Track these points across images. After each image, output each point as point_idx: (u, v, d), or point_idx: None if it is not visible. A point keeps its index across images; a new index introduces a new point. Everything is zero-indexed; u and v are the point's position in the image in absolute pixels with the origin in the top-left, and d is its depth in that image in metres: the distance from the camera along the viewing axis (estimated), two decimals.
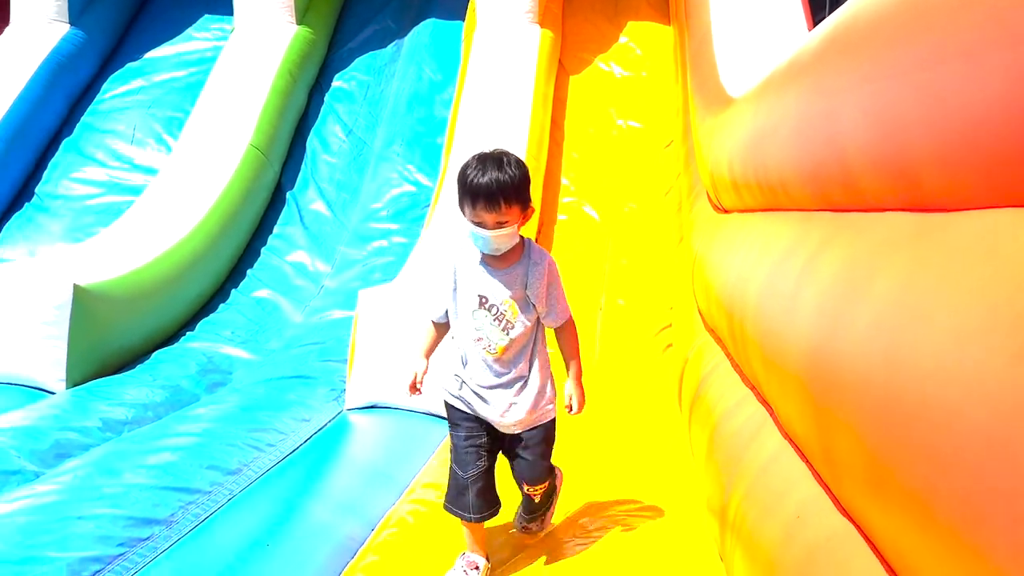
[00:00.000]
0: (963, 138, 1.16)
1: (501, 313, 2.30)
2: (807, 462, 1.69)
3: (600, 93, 6.39)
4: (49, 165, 6.44)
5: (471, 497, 2.37)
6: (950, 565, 0.99)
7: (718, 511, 2.26)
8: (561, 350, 2.43)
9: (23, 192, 6.30)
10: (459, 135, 5.60)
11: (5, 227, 6.05)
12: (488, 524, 2.45)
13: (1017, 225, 1.02)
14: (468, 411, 2.37)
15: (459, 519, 2.39)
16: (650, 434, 3.68)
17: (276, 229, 5.94)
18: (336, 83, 6.93)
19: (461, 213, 2.29)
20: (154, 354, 4.59)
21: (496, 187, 2.19)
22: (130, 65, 7.05)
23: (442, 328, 2.45)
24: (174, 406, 3.86)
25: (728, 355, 2.93)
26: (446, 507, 2.41)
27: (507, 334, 2.30)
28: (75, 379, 4.06)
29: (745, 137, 2.83)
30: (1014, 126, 1.01)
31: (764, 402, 2.22)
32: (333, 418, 3.74)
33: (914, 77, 1.29)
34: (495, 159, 2.26)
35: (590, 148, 6.12)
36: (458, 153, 5.49)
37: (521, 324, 2.31)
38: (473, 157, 2.29)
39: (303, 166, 6.40)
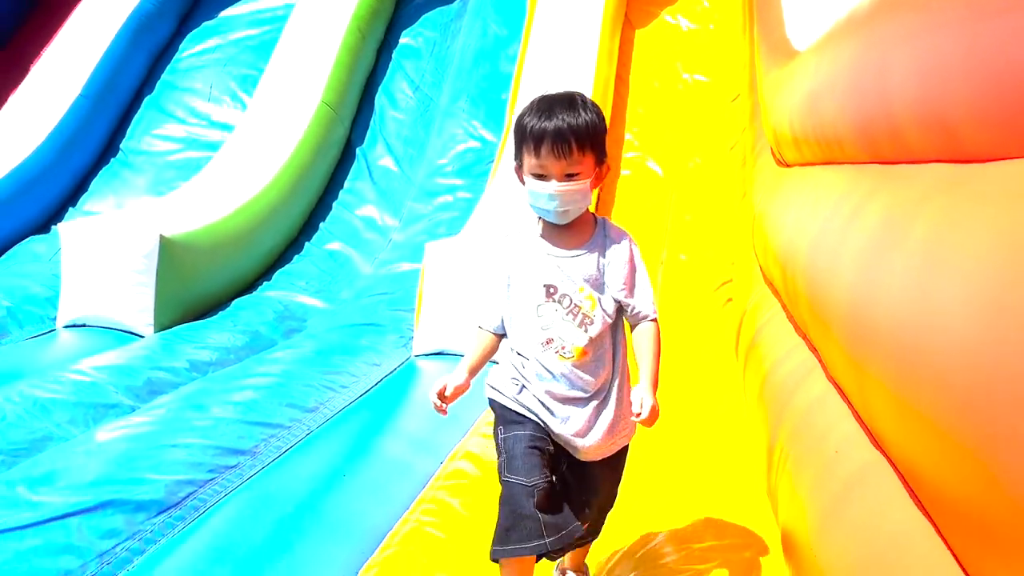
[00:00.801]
0: (1000, 90, 1.21)
1: (576, 305, 1.83)
2: (848, 403, 1.78)
3: (666, 47, 6.36)
4: (132, 122, 6.75)
5: (539, 517, 1.75)
6: (962, 478, 1.09)
7: (766, 451, 2.36)
8: (637, 351, 1.91)
9: (109, 148, 6.63)
10: (523, 90, 5.67)
11: (93, 182, 6.39)
12: None
13: None
14: (530, 416, 1.85)
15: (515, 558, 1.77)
16: (706, 383, 3.77)
17: (346, 184, 6.13)
18: (403, 40, 7.04)
19: (518, 175, 1.88)
20: (234, 302, 4.85)
21: (567, 128, 1.77)
22: (206, 24, 7.28)
23: (497, 340, 1.95)
24: (253, 350, 4.10)
25: (783, 305, 2.99)
26: (495, 553, 1.78)
27: (585, 331, 1.82)
28: (162, 324, 4.34)
29: (806, 90, 2.85)
30: None
31: (813, 349, 2.29)
32: (402, 363, 3.93)
33: (956, 31, 1.34)
34: (566, 99, 1.83)
35: (655, 103, 6.12)
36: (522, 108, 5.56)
37: (601, 318, 1.84)
38: (536, 98, 1.88)
39: (371, 123, 6.56)
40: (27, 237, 5.65)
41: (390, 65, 6.95)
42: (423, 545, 2.29)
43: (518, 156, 1.86)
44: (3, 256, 5.39)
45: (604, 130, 1.85)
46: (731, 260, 5.01)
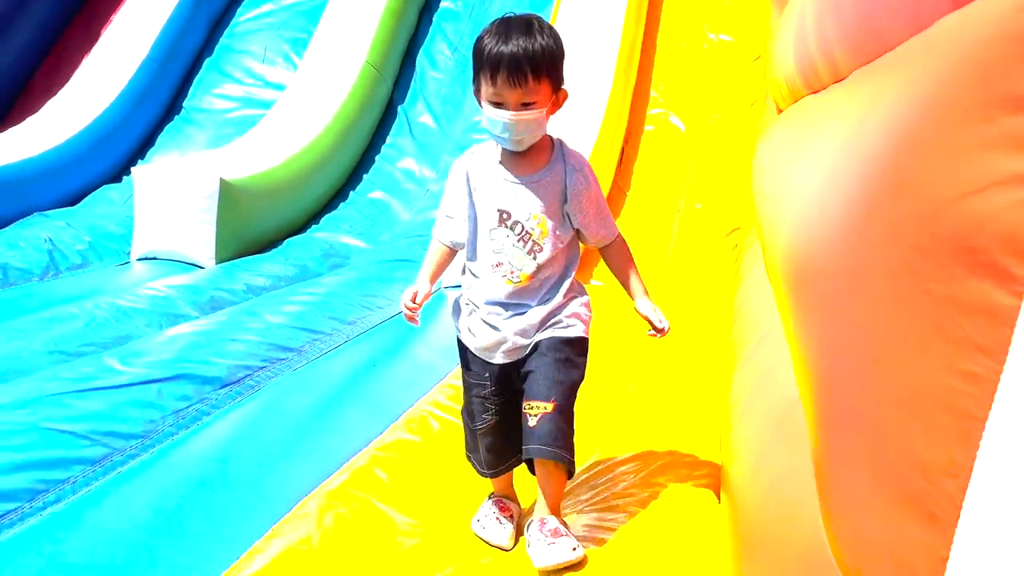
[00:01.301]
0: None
1: (527, 232, 1.87)
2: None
3: (694, 8, 6.65)
4: (194, 82, 7.29)
5: (481, 452, 2.05)
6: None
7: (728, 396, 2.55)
8: (616, 270, 2.02)
9: (173, 107, 7.19)
10: None
11: (159, 137, 6.96)
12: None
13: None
14: (477, 343, 1.96)
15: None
16: (711, 328, 4.11)
17: (388, 139, 6.60)
18: (444, 3, 7.44)
19: (476, 96, 1.88)
20: (286, 241, 5.38)
21: (523, 55, 1.76)
22: None
23: (450, 251, 2.03)
24: (302, 281, 4.61)
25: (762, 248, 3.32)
26: (467, 455, 2.12)
27: (534, 258, 1.88)
28: (222, 257, 4.87)
29: (792, 29, 3.15)
30: None
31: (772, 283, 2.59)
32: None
33: None
34: (522, 22, 1.81)
35: (681, 62, 6.43)
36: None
37: (551, 246, 1.88)
38: (494, 21, 1.86)
39: (412, 82, 7.00)
40: (102, 185, 6.25)
41: (430, 28, 7.36)
42: (427, 430, 2.70)
43: (476, 80, 1.85)
44: (83, 201, 6.00)
45: (561, 55, 1.85)
46: (740, 208, 5.35)
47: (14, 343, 3.13)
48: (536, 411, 1.88)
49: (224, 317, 3.43)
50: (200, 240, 4.85)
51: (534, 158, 1.89)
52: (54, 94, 7.11)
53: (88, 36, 7.76)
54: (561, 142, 1.95)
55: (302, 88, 6.46)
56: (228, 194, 4.92)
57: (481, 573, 1.91)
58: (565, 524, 1.91)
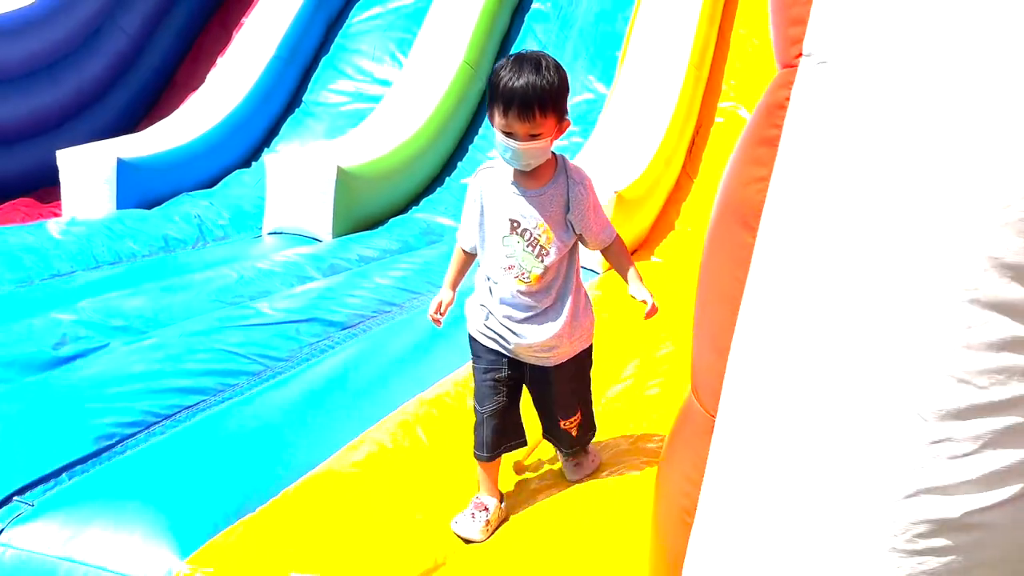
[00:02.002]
0: None
1: (535, 238, 2.11)
2: None
3: (765, 5, 7.12)
4: (312, 78, 8.22)
5: (486, 433, 2.26)
6: None
7: None
8: (615, 266, 2.30)
9: (294, 101, 8.14)
10: (632, 48, 6.66)
11: (283, 128, 7.92)
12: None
13: None
14: (493, 344, 2.23)
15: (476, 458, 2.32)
16: None
17: (480, 131, 7.36)
18: (535, 5, 8.14)
19: (490, 121, 2.12)
20: (390, 220, 6.23)
21: (532, 93, 2.01)
22: None
23: (472, 257, 2.30)
24: (404, 253, 5.42)
25: None
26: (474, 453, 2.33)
27: (542, 261, 2.12)
28: (338, 232, 5.74)
29: None
30: None
31: None
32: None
33: None
34: (532, 61, 2.06)
35: (752, 58, 6.94)
36: (630, 65, 6.58)
37: (556, 250, 2.14)
38: (508, 58, 2.10)
39: None
40: (235, 170, 7.25)
41: (522, 28, 8.07)
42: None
43: (489, 108, 2.11)
44: (220, 183, 7.01)
45: (565, 92, 2.11)
46: None
47: (183, 294, 4.03)
48: (571, 424, 2.33)
49: (342, 279, 4.26)
50: (320, 218, 5.73)
51: (540, 174, 2.15)
52: (194, 89, 8.20)
53: (222, 38, 8.82)
54: (564, 159, 2.22)
55: (406, 85, 7.28)
56: (343, 180, 5.78)
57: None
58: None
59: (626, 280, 2.27)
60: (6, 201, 6.59)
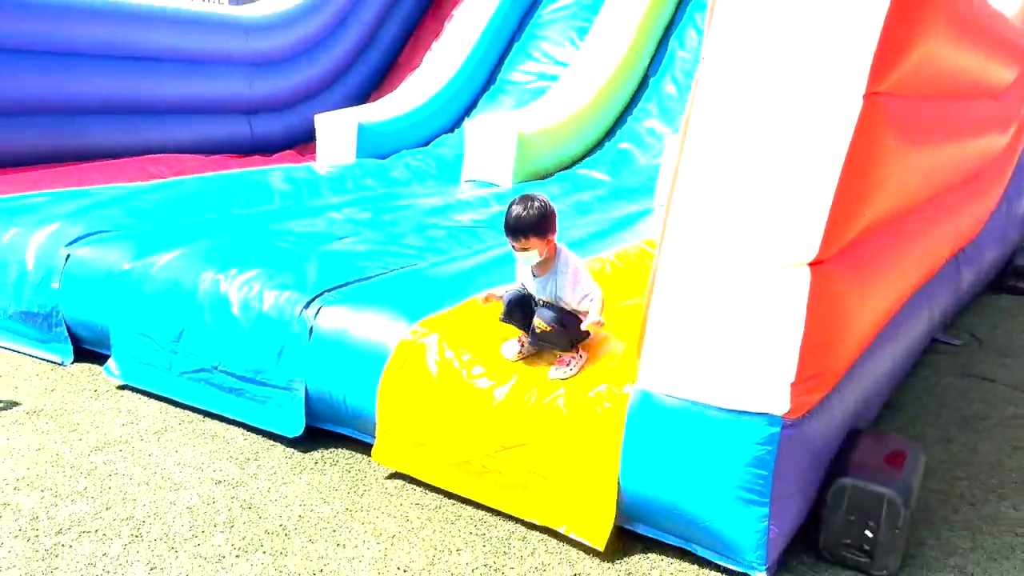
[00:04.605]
0: None
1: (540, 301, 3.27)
2: None
3: None
4: (506, 61, 9.96)
5: (504, 309, 3.33)
6: None
7: None
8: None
9: (490, 79, 9.93)
10: None
11: (480, 101, 9.73)
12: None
13: None
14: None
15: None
16: None
17: (639, 104, 8.80)
18: None
19: None
20: (556, 174, 7.86)
21: (516, 223, 3.05)
22: None
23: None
24: (565, 196, 7.03)
25: None
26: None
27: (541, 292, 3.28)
28: (516, 182, 7.44)
29: None
30: None
31: None
32: (647, 208, 6.62)
33: None
34: (525, 200, 3.09)
35: None
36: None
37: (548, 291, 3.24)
38: (516, 197, 3.15)
39: (664, 59, 9.10)
40: (442, 135, 9.15)
41: (684, 16, 9.37)
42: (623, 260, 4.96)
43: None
44: (431, 143, 8.93)
45: (545, 219, 3.09)
46: None
47: (404, 212, 5.84)
48: (540, 325, 3.17)
49: None
50: (503, 170, 7.46)
51: (544, 265, 3.23)
52: (412, 69, 10.21)
53: (436, 27, 10.79)
54: (559, 253, 3.22)
55: (580, 66, 8.85)
56: (522, 142, 7.47)
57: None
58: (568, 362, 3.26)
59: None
60: (276, 152, 8.88)
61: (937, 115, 3.56)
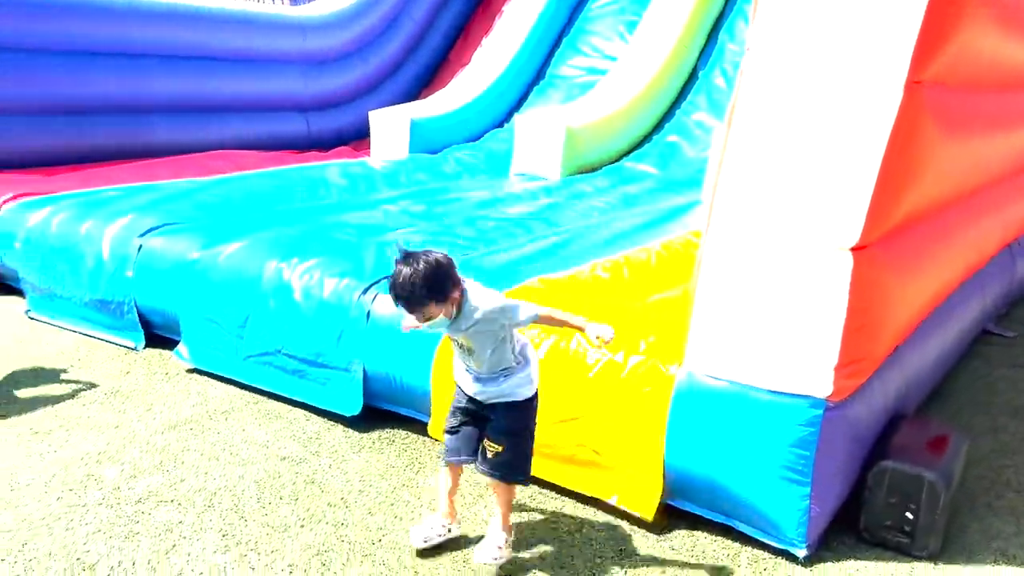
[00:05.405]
0: None
1: (467, 349, 2.73)
2: None
3: None
4: (555, 56, 10.06)
5: (447, 441, 2.92)
6: None
7: None
8: (555, 324, 2.82)
9: (539, 74, 10.03)
10: None
11: (529, 96, 9.84)
12: None
13: None
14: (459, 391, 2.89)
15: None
16: None
17: (688, 97, 8.84)
18: None
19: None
20: (603, 168, 7.96)
21: (406, 293, 2.55)
22: None
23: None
24: (612, 189, 7.13)
25: None
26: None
27: (475, 359, 2.74)
28: (563, 175, 7.56)
29: None
30: None
31: None
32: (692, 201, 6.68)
33: None
34: (406, 259, 2.57)
35: None
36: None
37: (480, 350, 2.70)
38: (400, 259, 2.59)
39: (713, 52, 9.12)
40: (492, 129, 9.30)
41: (733, 8, 9.36)
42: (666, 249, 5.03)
43: None
44: (481, 138, 9.09)
45: (436, 280, 2.54)
46: None
47: (454, 205, 6.00)
48: (491, 450, 2.80)
49: (563, 200, 6.09)
50: (551, 163, 7.59)
51: (458, 320, 2.65)
52: (463, 65, 10.37)
53: (486, 24, 10.93)
54: (466, 293, 2.64)
55: (629, 60, 8.91)
56: (571, 136, 7.58)
57: None
58: (507, 532, 2.92)
59: (577, 328, 2.78)
60: (331, 148, 9.13)
61: (981, 106, 3.59)
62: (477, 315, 2.63)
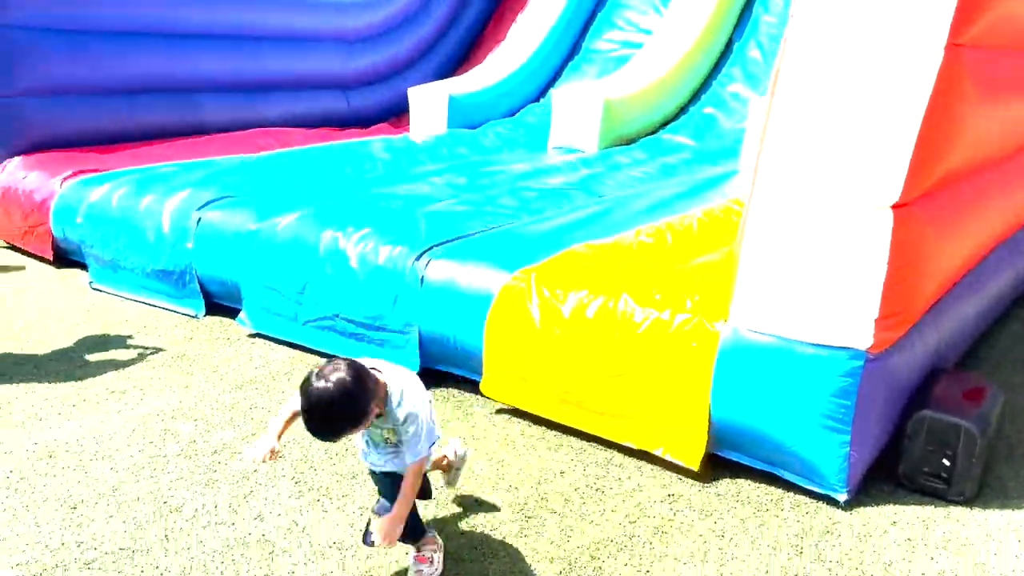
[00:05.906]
0: None
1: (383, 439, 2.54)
2: None
3: None
4: (590, 30, 10.12)
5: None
6: None
7: None
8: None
9: (575, 49, 10.10)
10: None
11: (564, 71, 9.93)
12: None
13: None
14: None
15: None
16: None
17: (723, 69, 8.88)
18: None
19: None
20: (640, 140, 8.06)
21: (323, 428, 2.32)
22: None
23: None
24: (650, 161, 7.24)
25: None
26: None
27: (387, 451, 2.56)
28: (601, 147, 7.67)
29: None
30: None
31: None
32: (731, 169, 6.77)
33: None
34: (319, 377, 2.29)
35: None
36: None
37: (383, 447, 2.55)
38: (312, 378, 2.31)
39: (748, 24, 9.13)
40: (528, 104, 9.42)
41: None
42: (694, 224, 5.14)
43: None
44: (519, 113, 9.22)
45: (351, 404, 2.27)
46: None
47: (494, 177, 6.16)
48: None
49: (602, 171, 6.21)
50: (589, 136, 7.71)
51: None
52: (498, 42, 10.47)
53: (519, 1, 11.00)
54: (389, 399, 2.41)
55: (664, 34, 8.97)
56: (608, 109, 7.69)
57: None
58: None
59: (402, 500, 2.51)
60: (372, 125, 9.32)
61: (1020, 70, 3.67)
62: (393, 422, 2.47)
